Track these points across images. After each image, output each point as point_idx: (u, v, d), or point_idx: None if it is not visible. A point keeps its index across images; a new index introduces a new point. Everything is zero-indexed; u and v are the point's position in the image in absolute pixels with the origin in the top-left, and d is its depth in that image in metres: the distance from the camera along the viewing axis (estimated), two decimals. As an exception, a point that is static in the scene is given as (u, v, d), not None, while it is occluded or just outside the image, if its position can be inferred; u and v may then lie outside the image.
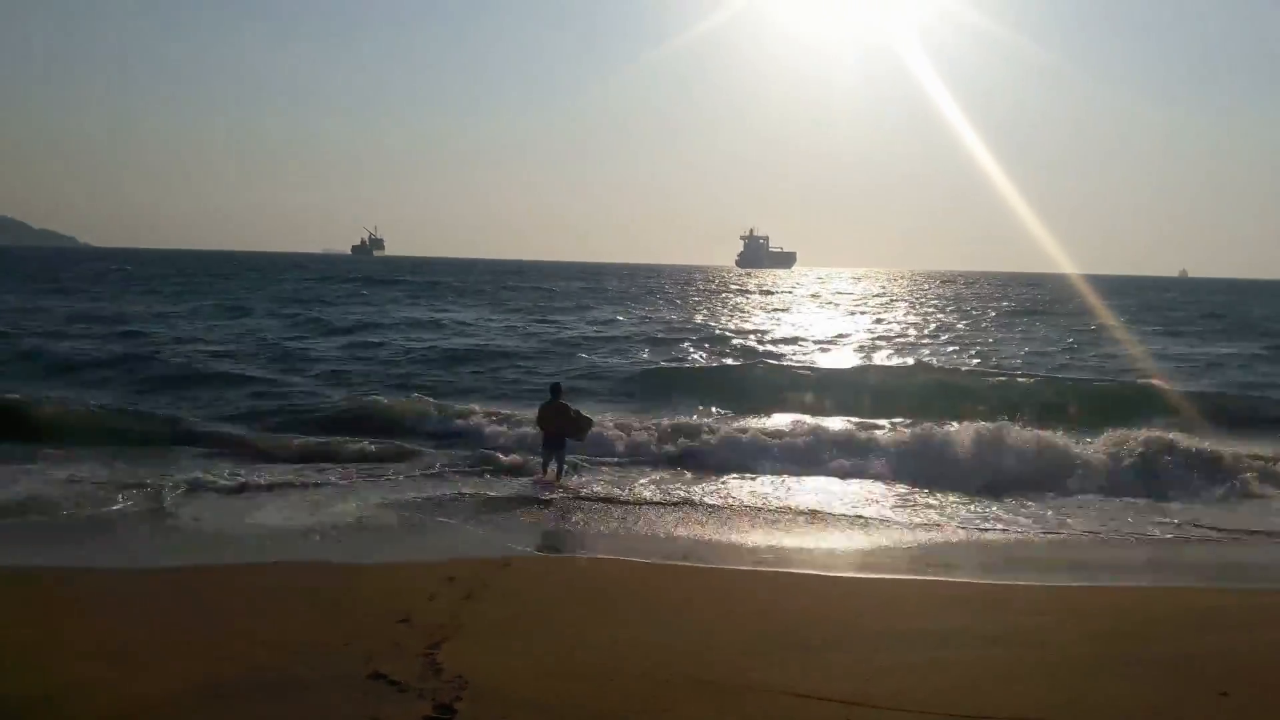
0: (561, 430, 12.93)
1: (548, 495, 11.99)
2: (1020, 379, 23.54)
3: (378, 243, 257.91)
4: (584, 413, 13.54)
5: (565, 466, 12.94)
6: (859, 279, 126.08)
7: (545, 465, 12.92)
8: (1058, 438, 14.60)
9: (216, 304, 43.61)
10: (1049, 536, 10.79)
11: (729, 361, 27.39)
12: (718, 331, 36.90)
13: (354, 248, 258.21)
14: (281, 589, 7.83)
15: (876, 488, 12.98)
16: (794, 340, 34.63)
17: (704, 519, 11.03)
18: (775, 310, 53.94)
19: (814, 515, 11.34)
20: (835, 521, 11.12)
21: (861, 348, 32.43)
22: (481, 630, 6.64)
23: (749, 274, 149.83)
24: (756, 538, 10.32)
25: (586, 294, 64.40)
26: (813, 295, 73.43)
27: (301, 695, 5.50)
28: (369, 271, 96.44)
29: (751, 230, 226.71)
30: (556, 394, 13.33)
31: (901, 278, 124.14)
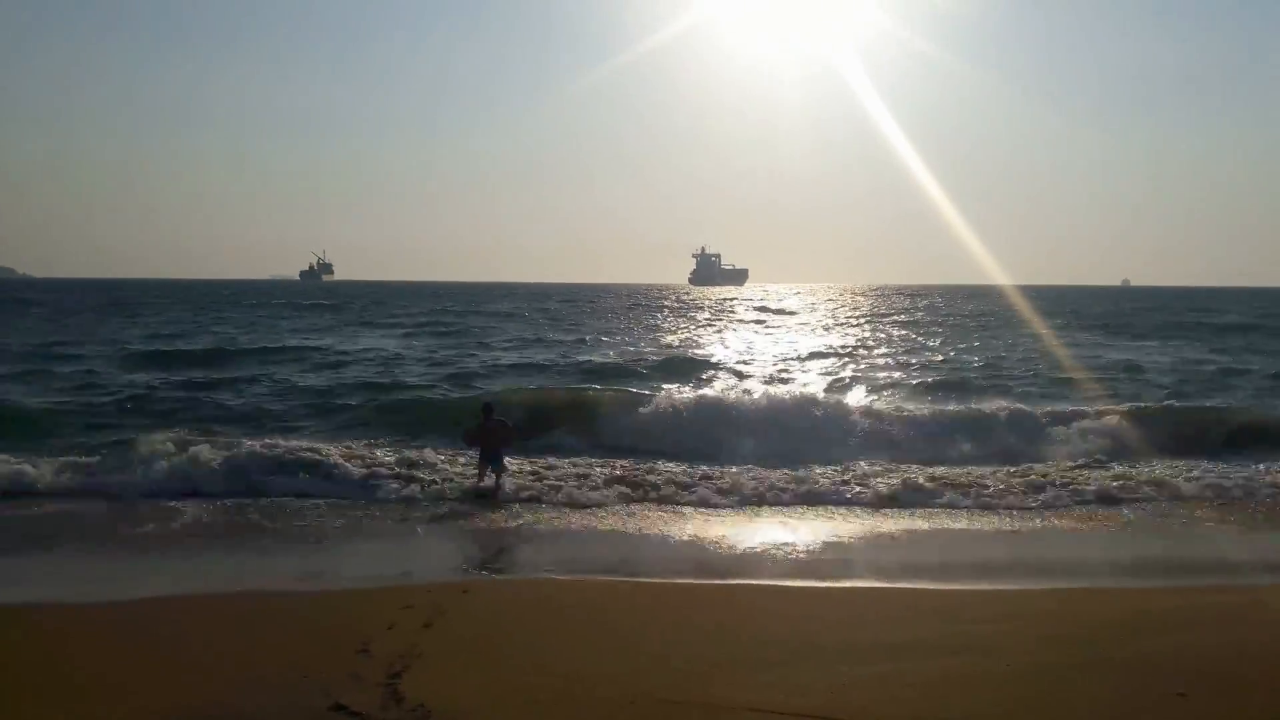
0: (501, 443, 13.70)
1: (494, 504, 12.64)
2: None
3: (326, 267, 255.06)
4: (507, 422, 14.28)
5: (501, 477, 13.49)
6: (814, 292, 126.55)
7: (482, 475, 13.52)
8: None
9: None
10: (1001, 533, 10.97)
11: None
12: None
13: (302, 273, 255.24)
14: (236, 618, 7.66)
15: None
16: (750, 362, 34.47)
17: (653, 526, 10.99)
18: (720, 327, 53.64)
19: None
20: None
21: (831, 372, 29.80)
22: (442, 658, 6.55)
23: (699, 292, 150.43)
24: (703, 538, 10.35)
25: (503, 320, 56.86)
26: (766, 309, 73.39)
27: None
28: (301, 296, 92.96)
29: (703, 248, 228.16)
30: (490, 412, 13.98)
31: (849, 292, 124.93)
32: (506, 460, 13.75)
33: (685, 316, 62.66)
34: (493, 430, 13.68)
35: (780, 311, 70.29)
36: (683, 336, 43.48)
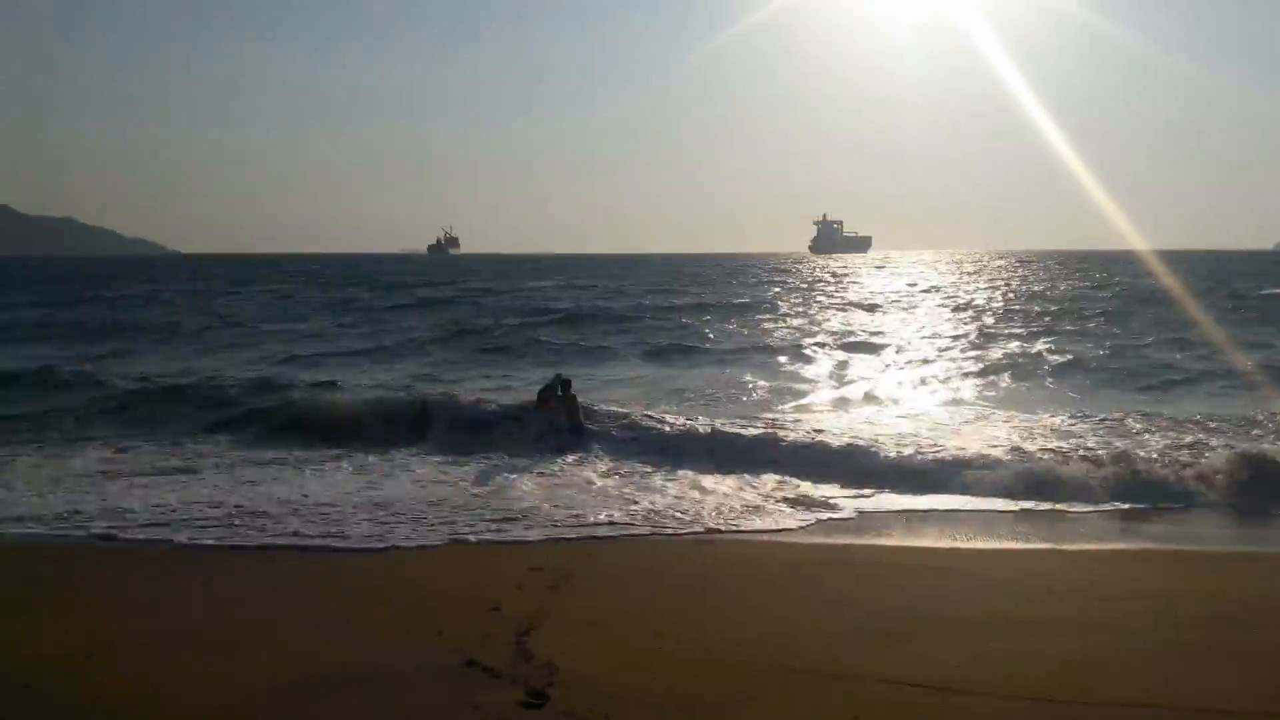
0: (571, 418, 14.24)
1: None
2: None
3: (453, 241, 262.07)
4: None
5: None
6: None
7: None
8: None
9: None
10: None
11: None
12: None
13: (430, 247, 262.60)
14: (370, 578, 8.02)
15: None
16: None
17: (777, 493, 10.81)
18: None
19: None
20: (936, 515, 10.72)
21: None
22: (567, 619, 6.70)
23: (819, 261, 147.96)
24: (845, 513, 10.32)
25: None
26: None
27: (399, 685, 5.63)
28: (419, 273, 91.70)
29: (825, 215, 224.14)
30: (567, 388, 14.54)
31: (988, 263, 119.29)
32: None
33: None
34: (569, 402, 14.28)
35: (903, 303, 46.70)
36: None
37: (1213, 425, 14.43)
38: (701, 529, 9.64)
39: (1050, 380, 20.72)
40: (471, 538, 9.22)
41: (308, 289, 60.52)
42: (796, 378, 21.87)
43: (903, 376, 22.01)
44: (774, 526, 9.79)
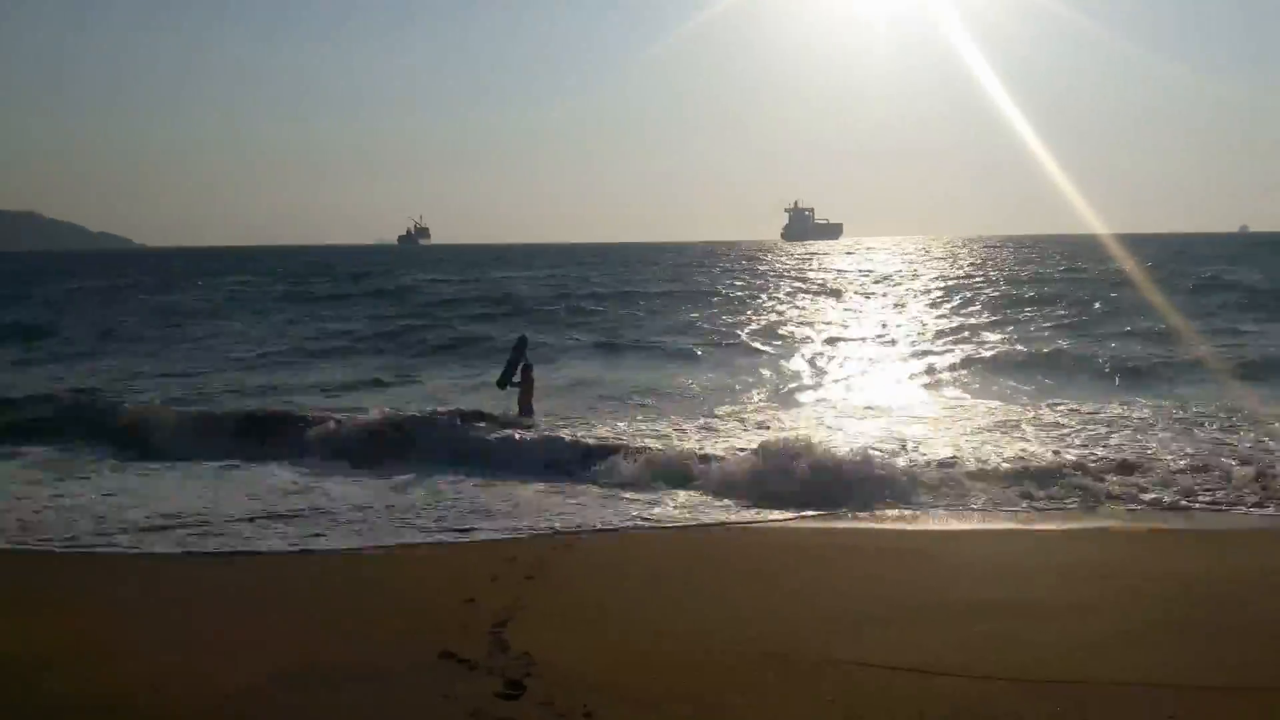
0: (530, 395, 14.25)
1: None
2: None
3: (423, 231, 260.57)
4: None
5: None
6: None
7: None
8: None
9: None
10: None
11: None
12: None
13: (400, 238, 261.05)
14: (343, 573, 7.86)
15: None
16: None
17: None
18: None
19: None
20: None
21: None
22: (544, 610, 6.59)
23: (789, 249, 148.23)
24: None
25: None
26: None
27: (376, 678, 5.50)
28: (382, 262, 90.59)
29: (796, 202, 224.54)
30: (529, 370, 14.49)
31: (955, 249, 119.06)
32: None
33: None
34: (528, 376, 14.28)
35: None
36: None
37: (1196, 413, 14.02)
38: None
39: (1010, 371, 19.35)
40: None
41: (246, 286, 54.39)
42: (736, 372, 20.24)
43: (846, 368, 20.82)
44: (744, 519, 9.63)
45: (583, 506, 9.98)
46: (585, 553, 8.37)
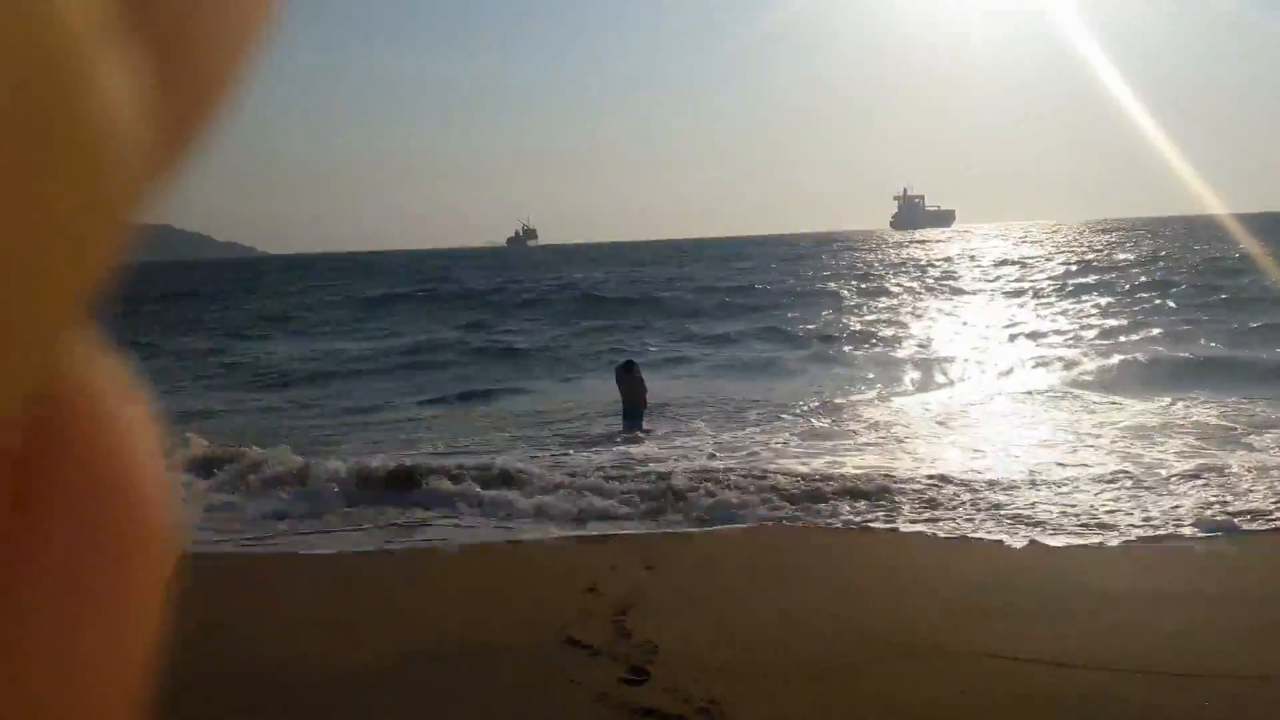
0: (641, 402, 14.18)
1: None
2: None
3: (531, 233, 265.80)
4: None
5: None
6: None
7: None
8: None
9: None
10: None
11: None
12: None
13: (509, 240, 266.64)
14: (470, 566, 8.14)
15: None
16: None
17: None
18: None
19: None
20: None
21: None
22: (665, 599, 6.70)
23: (900, 238, 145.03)
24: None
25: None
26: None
27: (503, 660, 5.71)
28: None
29: (905, 190, 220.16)
30: (633, 368, 14.48)
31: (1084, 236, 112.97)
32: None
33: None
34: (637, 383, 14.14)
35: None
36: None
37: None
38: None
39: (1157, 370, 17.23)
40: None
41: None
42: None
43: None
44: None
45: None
46: (704, 544, 8.48)
